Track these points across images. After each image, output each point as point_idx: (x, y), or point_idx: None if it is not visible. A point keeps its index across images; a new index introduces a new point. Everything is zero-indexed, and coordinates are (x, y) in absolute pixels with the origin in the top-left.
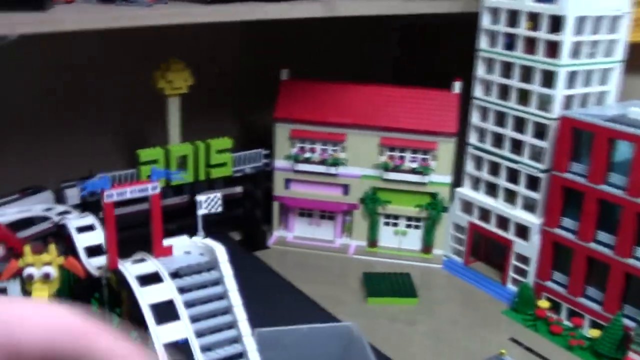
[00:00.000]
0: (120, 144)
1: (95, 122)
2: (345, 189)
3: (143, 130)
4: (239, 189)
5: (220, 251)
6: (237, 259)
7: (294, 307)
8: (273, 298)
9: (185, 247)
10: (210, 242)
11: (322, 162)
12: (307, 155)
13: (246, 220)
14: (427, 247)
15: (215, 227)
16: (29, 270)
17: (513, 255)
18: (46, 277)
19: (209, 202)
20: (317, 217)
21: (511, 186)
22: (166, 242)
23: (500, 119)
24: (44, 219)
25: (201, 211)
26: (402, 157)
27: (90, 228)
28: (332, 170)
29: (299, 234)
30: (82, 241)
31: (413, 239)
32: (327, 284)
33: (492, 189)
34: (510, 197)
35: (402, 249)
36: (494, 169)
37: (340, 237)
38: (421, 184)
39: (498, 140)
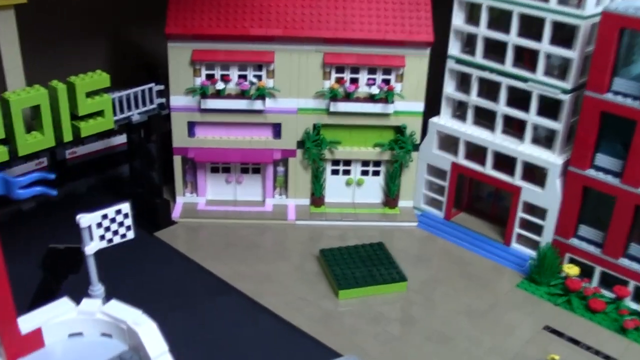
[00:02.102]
0: None
1: None
2: (276, 129)
3: None
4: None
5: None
6: (130, 248)
7: (229, 316)
8: (194, 307)
9: (70, 326)
10: (119, 309)
11: (242, 95)
12: (219, 86)
13: (137, 187)
14: (390, 199)
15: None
16: None
17: (520, 206)
18: None
19: (106, 227)
20: (237, 172)
21: (517, 113)
22: (29, 318)
23: (499, 19)
24: None
25: (90, 247)
26: (355, 81)
27: None
28: (257, 104)
29: (213, 197)
30: None
31: (372, 191)
32: (267, 272)
33: (484, 118)
34: (514, 127)
35: (359, 205)
36: (489, 90)
37: (272, 197)
38: (383, 115)
39: (495, 49)
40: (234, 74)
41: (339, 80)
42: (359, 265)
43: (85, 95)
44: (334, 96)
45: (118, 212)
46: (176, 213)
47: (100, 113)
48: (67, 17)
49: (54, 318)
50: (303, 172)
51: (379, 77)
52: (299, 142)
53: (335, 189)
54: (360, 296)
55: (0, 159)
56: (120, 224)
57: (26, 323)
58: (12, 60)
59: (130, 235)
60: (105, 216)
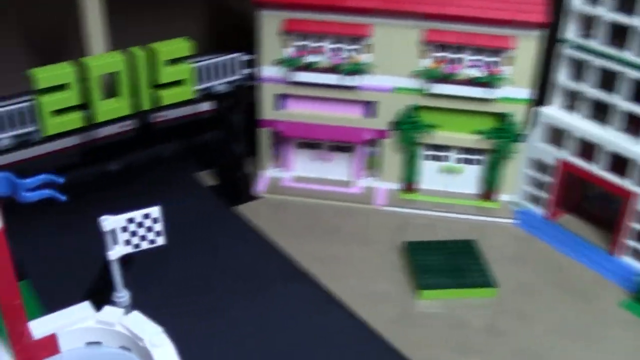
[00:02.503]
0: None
1: None
2: (370, 108)
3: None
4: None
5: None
6: (206, 222)
7: (299, 305)
8: (265, 290)
9: (87, 334)
10: (139, 323)
11: (334, 69)
12: (311, 58)
13: (221, 159)
14: (488, 191)
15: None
16: None
17: (633, 215)
18: None
19: (132, 232)
20: (326, 150)
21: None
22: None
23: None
24: None
25: (115, 252)
26: (457, 61)
27: None
28: (350, 80)
29: (301, 173)
30: None
31: (468, 180)
32: (346, 259)
33: (601, 111)
34: (634, 125)
35: (453, 195)
36: (606, 80)
37: (361, 178)
38: (486, 100)
39: (618, 34)
40: (327, 46)
41: (439, 61)
42: (446, 263)
43: (166, 63)
44: (431, 77)
45: (146, 216)
46: (260, 187)
47: (181, 82)
48: None
49: (71, 324)
50: (395, 155)
51: (483, 58)
52: (392, 123)
53: (429, 175)
54: (444, 298)
55: (78, 124)
56: (149, 229)
57: (40, 327)
58: (94, 26)
59: (161, 241)
60: (131, 220)
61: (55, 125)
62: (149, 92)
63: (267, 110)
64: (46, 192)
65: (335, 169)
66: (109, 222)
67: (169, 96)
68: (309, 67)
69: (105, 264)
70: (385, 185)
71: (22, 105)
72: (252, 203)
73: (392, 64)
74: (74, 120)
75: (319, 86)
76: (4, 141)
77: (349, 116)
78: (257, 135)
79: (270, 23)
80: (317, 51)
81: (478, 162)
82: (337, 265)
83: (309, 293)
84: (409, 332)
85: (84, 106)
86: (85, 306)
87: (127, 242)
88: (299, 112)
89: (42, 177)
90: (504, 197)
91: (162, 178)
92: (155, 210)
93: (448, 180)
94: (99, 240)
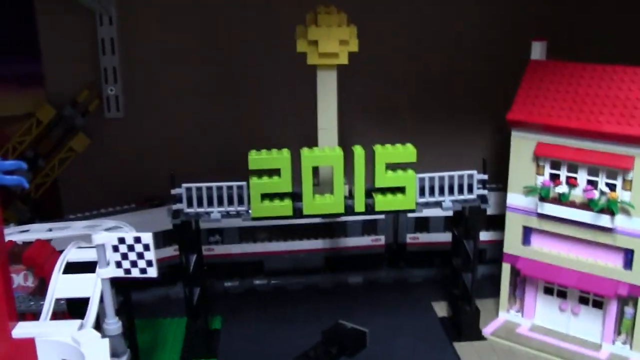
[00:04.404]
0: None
1: None
2: (627, 256)
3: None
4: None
5: None
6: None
7: None
8: None
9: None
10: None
11: (587, 205)
12: (561, 189)
13: (453, 287)
14: None
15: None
16: None
17: None
18: None
19: (123, 253)
20: (574, 300)
21: None
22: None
23: None
24: None
25: (105, 271)
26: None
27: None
28: (603, 220)
29: (541, 323)
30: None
31: None
32: None
33: None
34: None
35: None
36: None
37: (612, 342)
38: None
39: None
40: (582, 177)
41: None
42: None
43: (386, 167)
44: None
45: (137, 239)
46: (490, 328)
47: (401, 190)
48: (384, 85)
49: (50, 335)
50: None
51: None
52: None
53: None
54: None
55: (285, 212)
56: (140, 255)
57: (22, 329)
58: (327, 119)
59: (152, 273)
60: (122, 240)
61: (262, 209)
62: (364, 194)
63: (511, 243)
64: (16, 179)
65: (581, 325)
66: (100, 236)
67: (385, 202)
68: (560, 200)
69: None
70: (637, 356)
71: (237, 184)
72: (476, 343)
73: None
74: (283, 207)
75: (570, 223)
76: (214, 215)
77: (602, 263)
78: (500, 270)
79: (522, 146)
80: (570, 182)
81: None
82: None
83: None
84: None
85: (294, 195)
86: (77, 323)
87: (119, 265)
88: (544, 250)
89: (17, 163)
90: None
91: (399, 299)
92: (147, 237)
93: None
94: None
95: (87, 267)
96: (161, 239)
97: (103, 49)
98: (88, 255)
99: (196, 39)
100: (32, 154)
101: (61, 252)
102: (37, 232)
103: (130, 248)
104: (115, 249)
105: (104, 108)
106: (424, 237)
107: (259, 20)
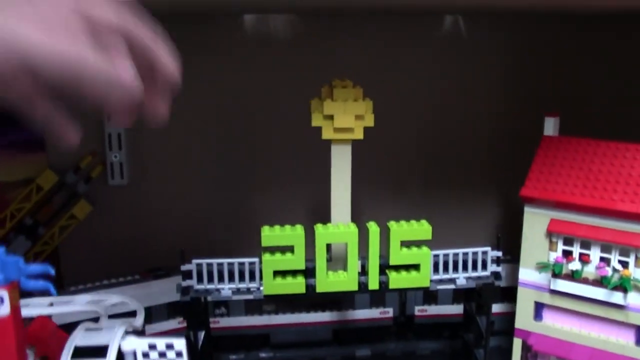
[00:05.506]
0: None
1: None
2: (639, 334)
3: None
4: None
5: None
6: None
7: None
8: None
9: None
10: None
11: (600, 282)
12: (574, 266)
13: None
14: None
15: None
16: None
17: None
18: None
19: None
20: None
21: None
22: None
23: None
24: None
25: None
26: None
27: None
28: (616, 297)
29: None
30: None
31: None
32: None
33: None
34: None
35: None
36: None
37: None
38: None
39: None
40: (595, 254)
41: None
42: None
43: (400, 244)
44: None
45: (170, 346)
46: None
47: (415, 268)
48: (398, 161)
49: None
50: None
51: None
52: None
53: None
54: None
55: (298, 289)
56: None
57: None
58: (341, 194)
59: None
60: (153, 346)
61: (275, 286)
62: (378, 271)
63: (522, 319)
64: (42, 284)
65: None
66: (130, 342)
67: (399, 280)
68: (573, 276)
69: None
70: None
71: (249, 260)
72: None
73: None
74: (296, 285)
75: (582, 299)
76: (225, 292)
77: (613, 340)
78: (509, 342)
79: (535, 222)
80: (583, 259)
81: None
82: None
83: None
84: None
85: (307, 273)
86: None
87: None
88: (556, 326)
89: (41, 267)
90: None
91: None
92: (180, 343)
93: None
94: None
95: (97, 352)
96: (165, 311)
97: (108, 115)
98: (98, 340)
99: (204, 109)
100: (31, 221)
101: (62, 326)
102: (37, 306)
103: (162, 355)
104: (145, 355)
105: (108, 175)
106: (432, 310)
107: (270, 92)
